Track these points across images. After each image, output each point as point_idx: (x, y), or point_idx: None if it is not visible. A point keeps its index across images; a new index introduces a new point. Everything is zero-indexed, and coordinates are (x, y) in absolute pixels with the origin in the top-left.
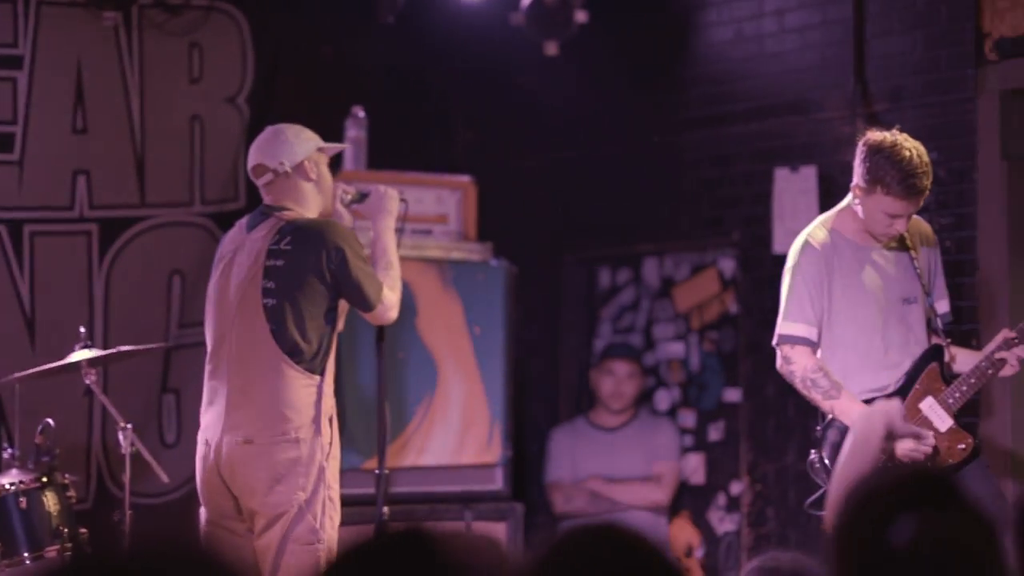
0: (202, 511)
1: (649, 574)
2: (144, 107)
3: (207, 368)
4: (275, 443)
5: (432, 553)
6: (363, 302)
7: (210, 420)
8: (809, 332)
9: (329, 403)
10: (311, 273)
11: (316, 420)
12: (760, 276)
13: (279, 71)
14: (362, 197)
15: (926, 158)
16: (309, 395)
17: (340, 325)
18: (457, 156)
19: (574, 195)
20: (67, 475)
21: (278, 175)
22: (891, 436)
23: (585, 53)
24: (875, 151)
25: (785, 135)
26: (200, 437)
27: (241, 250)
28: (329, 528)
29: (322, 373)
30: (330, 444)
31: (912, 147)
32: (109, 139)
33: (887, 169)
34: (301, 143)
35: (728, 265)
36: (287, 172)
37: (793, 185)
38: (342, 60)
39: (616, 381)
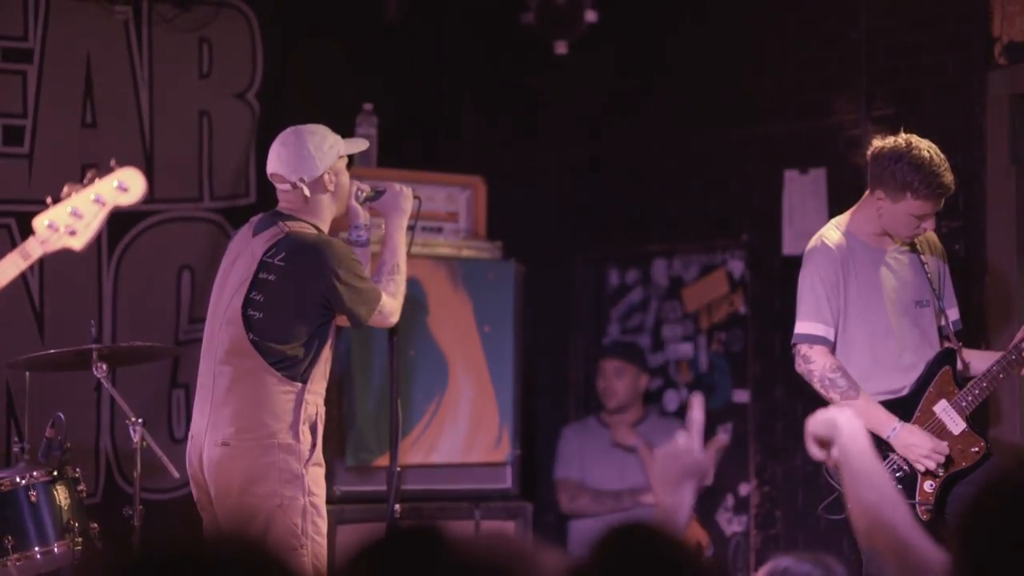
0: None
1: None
2: (153, 102)
3: (200, 365)
4: (250, 447)
5: (442, 553)
6: (354, 319)
7: (196, 418)
8: (827, 332)
9: (311, 410)
10: (302, 292)
11: (294, 426)
12: (769, 277)
13: (289, 68)
14: (377, 195)
15: (942, 154)
16: (288, 401)
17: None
18: (467, 154)
19: (584, 194)
20: (77, 469)
21: (296, 187)
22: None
23: (595, 53)
24: (895, 158)
25: (795, 137)
26: (190, 433)
27: (243, 254)
28: (313, 533)
29: (305, 381)
30: (311, 451)
31: (927, 147)
32: (118, 133)
33: (912, 174)
34: (322, 155)
35: (737, 266)
36: (304, 187)
37: (803, 187)
38: (352, 57)
39: (605, 379)
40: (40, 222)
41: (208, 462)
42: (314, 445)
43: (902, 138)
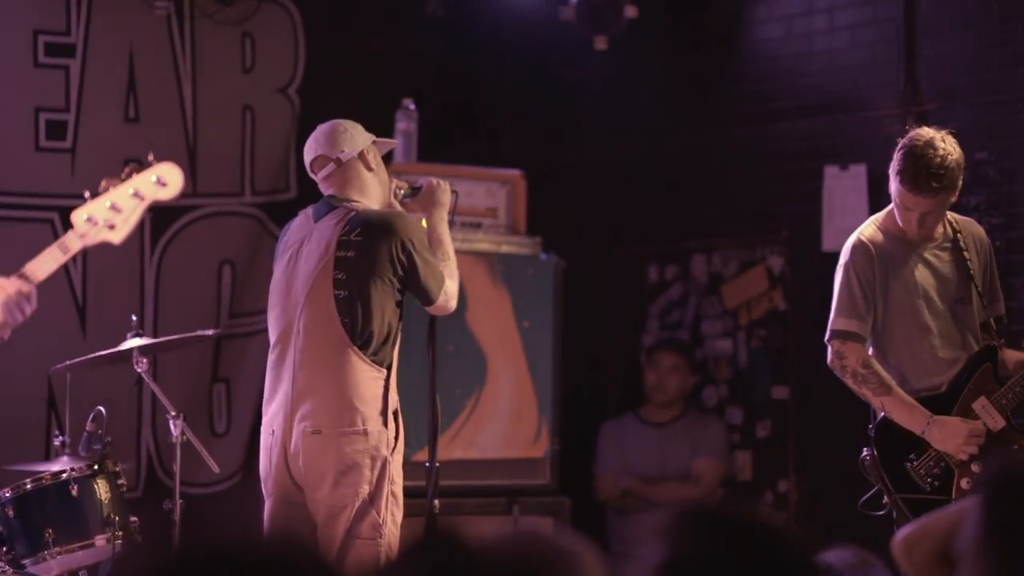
0: (268, 502)
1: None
2: (196, 96)
3: (270, 357)
4: (343, 434)
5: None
6: (426, 295)
7: (275, 409)
8: (861, 328)
9: (394, 397)
10: (381, 265)
11: (383, 413)
12: (809, 274)
13: (330, 63)
14: (414, 191)
15: (950, 161)
16: (377, 387)
17: None
18: (507, 149)
19: (623, 190)
20: (118, 463)
21: (340, 164)
22: None
23: (634, 48)
24: (907, 143)
25: (835, 133)
26: (265, 427)
27: (309, 239)
28: (391, 524)
29: (389, 366)
30: (395, 438)
31: (943, 149)
32: (161, 128)
33: (905, 160)
34: (359, 134)
35: (777, 262)
36: (349, 161)
37: (843, 183)
38: (393, 52)
39: (659, 373)
40: (79, 216)
41: (296, 452)
42: (398, 432)
43: (934, 132)
